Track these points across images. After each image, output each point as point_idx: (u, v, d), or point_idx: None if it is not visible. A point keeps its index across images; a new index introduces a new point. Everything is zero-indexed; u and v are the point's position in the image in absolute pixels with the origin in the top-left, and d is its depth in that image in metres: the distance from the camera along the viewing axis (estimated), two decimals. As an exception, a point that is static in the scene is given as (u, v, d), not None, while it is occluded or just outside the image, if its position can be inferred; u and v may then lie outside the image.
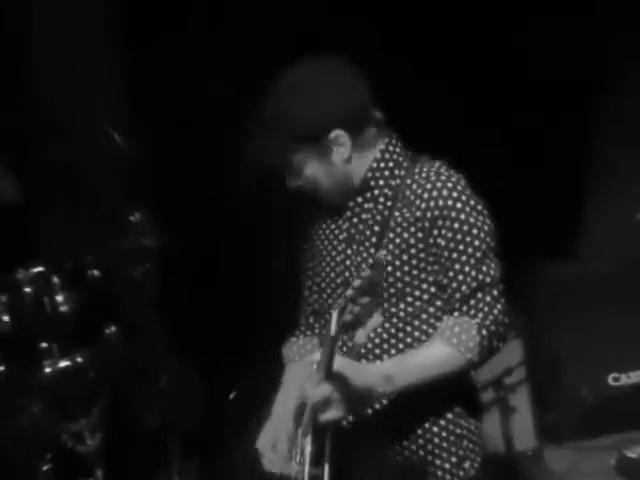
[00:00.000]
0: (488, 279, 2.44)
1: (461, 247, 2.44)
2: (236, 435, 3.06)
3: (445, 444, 2.54)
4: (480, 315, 2.41)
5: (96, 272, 3.51)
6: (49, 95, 4.52)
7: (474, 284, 2.43)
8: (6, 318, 3.38)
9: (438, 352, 2.39)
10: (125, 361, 3.62)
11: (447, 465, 2.53)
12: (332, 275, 2.61)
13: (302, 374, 2.62)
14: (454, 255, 2.44)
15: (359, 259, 2.55)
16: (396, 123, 2.63)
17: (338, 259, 2.59)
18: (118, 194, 3.86)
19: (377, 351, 2.52)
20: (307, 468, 2.39)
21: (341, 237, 2.59)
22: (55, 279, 3.43)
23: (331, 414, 2.33)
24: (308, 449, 2.40)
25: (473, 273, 2.43)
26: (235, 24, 4.35)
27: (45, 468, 3.36)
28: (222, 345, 4.31)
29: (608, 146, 4.93)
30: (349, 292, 2.21)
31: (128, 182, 3.83)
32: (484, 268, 2.44)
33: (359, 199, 2.53)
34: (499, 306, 2.43)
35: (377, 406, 2.50)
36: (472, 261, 2.44)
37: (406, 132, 2.61)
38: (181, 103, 4.17)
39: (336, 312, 2.23)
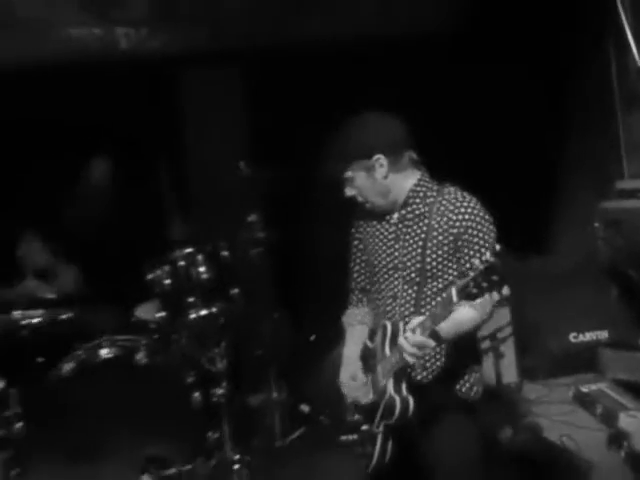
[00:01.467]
0: (496, 261, 2.42)
1: (476, 247, 2.49)
2: (315, 364, 3.02)
3: (466, 376, 2.62)
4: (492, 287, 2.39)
5: (226, 253, 3.56)
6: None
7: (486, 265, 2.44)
8: (167, 281, 3.44)
9: (468, 314, 2.43)
10: (243, 312, 3.65)
11: (464, 389, 2.62)
12: (383, 263, 2.62)
13: (359, 334, 2.73)
14: (472, 252, 2.49)
15: (404, 252, 2.57)
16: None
17: (388, 252, 2.61)
18: (241, 201, 3.86)
19: (410, 312, 2.55)
20: (387, 396, 2.48)
21: (390, 237, 2.62)
22: (199, 257, 3.47)
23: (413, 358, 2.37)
24: (391, 383, 2.48)
25: (484, 260, 2.46)
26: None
27: (190, 379, 3.38)
28: (306, 304, 4.33)
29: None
30: (472, 275, 2.17)
31: (248, 194, 3.84)
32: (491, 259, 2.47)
33: (403, 212, 2.58)
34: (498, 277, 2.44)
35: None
36: (484, 252, 2.37)
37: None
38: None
39: (455, 288, 2.21)
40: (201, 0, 4.55)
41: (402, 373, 2.48)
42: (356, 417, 2.63)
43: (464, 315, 2.41)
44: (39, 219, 3.99)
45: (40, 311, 3.48)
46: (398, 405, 2.45)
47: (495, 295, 2.15)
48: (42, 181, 4.16)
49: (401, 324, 2.49)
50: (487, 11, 4.43)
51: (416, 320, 2.36)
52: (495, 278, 2.14)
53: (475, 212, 2.51)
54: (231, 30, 4.58)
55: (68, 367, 3.30)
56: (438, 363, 2.56)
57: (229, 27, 4.57)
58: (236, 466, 3.42)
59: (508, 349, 4.03)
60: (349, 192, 2.61)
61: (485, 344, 3.87)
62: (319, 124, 2.66)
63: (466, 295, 2.19)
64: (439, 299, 2.38)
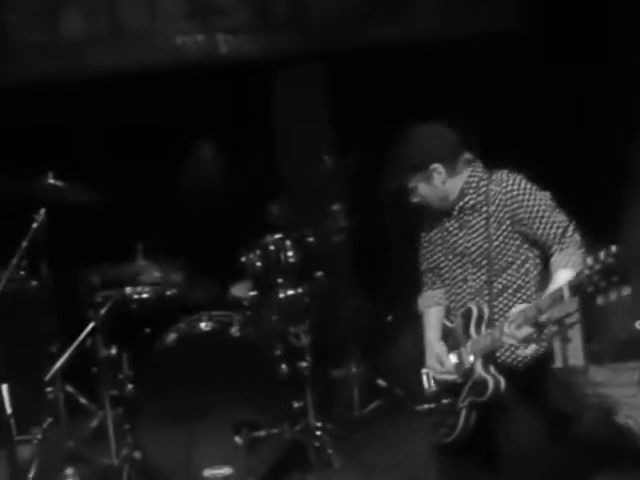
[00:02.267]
0: (565, 221, 2.46)
1: (539, 213, 2.46)
2: (391, 342, 3.05)
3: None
4: (576, 244, 2.42)
5: (311, 238, 3.63)
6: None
7: (560, 227, 2.45)
8: (259, 264, 3.52)
9: (566, 276, 2.28)
10: (326, 293, 3.70)
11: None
12: (451, 249, 2.64)
13: (437, 315, 2.73)
14: (537, 219, 2.46)
15: (469, 239, 2.58)
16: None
17: (454, 239, 2.63)
18: (327, 193, 3.92)
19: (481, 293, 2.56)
20: (475, 375, 2.48)
21: (454, 226, 2.63)
22: (287, 242, 3.55)
23: (529, 349, 2.38)
24: (479, 363, 2.47)
25: (554, 221, 2.45)
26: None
27: (278, 352, 3.48)
28: (385, 287, 4.32)
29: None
30: (586, 272, 2.05)
31: (332, 185, 3.91)
32: (558, 216, 2.47)
33: (460, 203, 2.60)
34: (578, 234, 2.45)
35: None
36: (549, 215, 2.46)
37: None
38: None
39: (568, 285, 2.12)
40: (292, 7, 4.67)
41: (490, 355, 2.48)
42: (433, 388, 2.66)
43: (563, 278, 2.28)
44: (152, 205, 4.18)
45: (148, 288, 3.63)
46: (490, 385, 2.45)
47: (612, 295, 2.04)
48: (153, 173, 4.33)
49: (485, 308, 2.52)
50: (556, 10, 4.39)
51: (516, 309, 2.34)
52: (615, 279, 2.02)
53: (522, 186, 2.50)
54: (318, 34, 4.69)
55: (171, 337, 3.45)
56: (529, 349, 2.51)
57: (316, 32, 4.69)
58: (318, 432, 3.53)
59: (575, 334, 3.99)
60: (414, 200, 2.65)
61: (553, 329, 3.80)
62: (398, 119, 2.71)
63: (581, 293, 2.10)
64: (548, 292, 2.27)
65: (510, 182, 2.53)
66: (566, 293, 2.15)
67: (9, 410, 1.89)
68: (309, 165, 4.03)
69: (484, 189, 2.57)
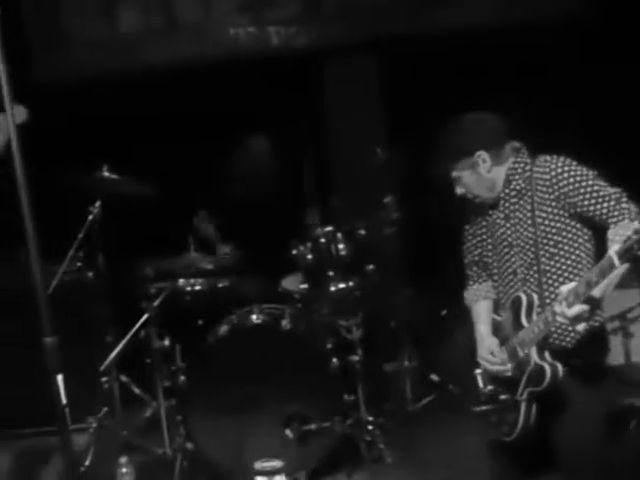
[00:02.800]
0: (616, 193, 2.39)
1: (588, 188, 2.40)
2: (445, 337, 2.99)
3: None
4: (631, 215, 2.35)
5: (363, 231, 3.61)
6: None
7: (612, 200, 2.38)
8: (310, 257, 3.51)
9: (618, 270, 2.16)
10: (377, 287, 3.68)
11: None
12: (498, 241, 2.60)
13: (486, 309, 2.70)
14: (587, 194, 2.40)
15: (516, 228, 2.53)
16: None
17: (501, 230, 2.59)
18: (378, 185, 3.92)
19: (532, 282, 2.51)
20: (531, 365, 2.44)
21: (501, 217, 2.59)
22: (339, 234, 3.54)
23: (580, 326, 2.30)
24: (534, 351, 2.42)
25: (604, 194, 2.38)
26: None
27: (329, 346, 3.48)
28: (438, 281, 4.18)
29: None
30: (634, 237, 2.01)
31: (384, 178, 3.90)
32: (608, 189, 2.40)
33: (506, 191, 2.55)
34: (632, 204, 2.38)
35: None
36: (598, 189, 2.39)
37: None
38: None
39: (617, 253, 2.06)
40: (341, -1, 4.68)
41: (543, 341, 2.43)
42: (489, 388, 2.62)
43: (616, 273, 2.19)
44: (208, 199, 4.19)
45: (201, 280, 3.68)
46: (548, 372, 2.40)
47: None
48: (208, 165, 4.40)
49: (535, 295, 2.47)
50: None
51: (566, 287, 2.27)
52: None
53: (567, 165, 2.45)
54: (369, 24, 4.69)
55: (223, 329, 3.50)
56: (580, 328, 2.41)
57: (367, 21, 4.69)
58: (370, 427, 3.52)
59: (638, 329, 3.88)
60: (459, 191, 2.60)
61: (614, 324, 3.75)
62: (451, 108, 2.67)
63: (630, 258, 2.04)
64: (598, 265, 2.18)
65: (555, 162, 2.47)
66: (615, 260, 2.08)
67: (64, 400, 1.93)
68: (361, 157, 4.03)
69: (528, 174, 2.52)
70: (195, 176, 4.45)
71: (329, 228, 3.55)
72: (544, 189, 2.48)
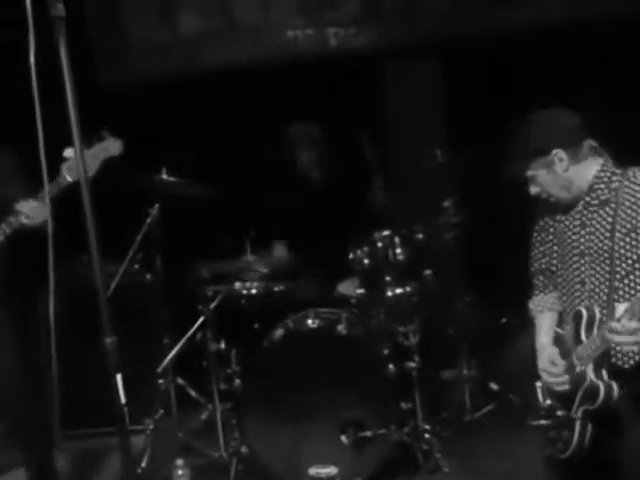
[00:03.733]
0: None
1: None
2: (505, 345, 2.93)
3: None
4: None
5: (421, 235, 3.59)
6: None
7: None
8: (367, 261, 3.50)
9: None
10: (435, 292, 3.66)
11: None
12: (569, 249, 2.55)
13: (550, 321, 2.67)
14: None
15: (591, 237, 2.49)
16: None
17: (574, 237, 2.54)
18: (438, 188, 3.90)
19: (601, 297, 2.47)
20: (587, 382, 2.40)
21: (575, 223, 2.54)
22: (396, 239, 3.52)
23: (632, 345, 2.25)
24: (590, 368, 2.39)
25: None
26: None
27: (386, 352, 3.46)
28: (500, 288, 4.18)
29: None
30: None
31: (444, 180, 3.88)
32: None
33: (587, 198, 2.50)
34: None
35: None
36: None
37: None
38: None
39: None
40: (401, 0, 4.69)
41: (602, 359, 2.40)
42: (548, 402, 2.59)
43: None
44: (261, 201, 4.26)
45: (257, 283, 3.72)
46: (602, 390, 2.37)
47: None
48: (265, 167, 4.40)
49: (597, 309, 2.45)
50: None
51: (622, 307, 2.26)
52: None
53: None
54: (429, 24, 4.68)
55: (278, 334, 3.53)
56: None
57: (427, 21, 4.68)
58: (427, 435, 3.50)
59: None
60: (533, 190, 2.56)
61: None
62: (510, 111, 2.64)
63: None
64: None
65: None
66: None
67: (123, 400, 1.99)
68: (421, 159, 4.01)
69: (616, 184, 2.45)
70: (253, 179, 4.49)
71: (386, 232, 3.55)
72: (634, 207, 2.41)
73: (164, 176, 3.70)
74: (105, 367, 1.96)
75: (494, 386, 3.92)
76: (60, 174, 2.79)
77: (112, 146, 2.84)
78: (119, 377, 1.94)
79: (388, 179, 3.88)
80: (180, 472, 2.93)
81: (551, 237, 2.66)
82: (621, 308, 2.26)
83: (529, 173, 2.54)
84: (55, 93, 1.92)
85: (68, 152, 2.68)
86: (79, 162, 1.89)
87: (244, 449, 3.45)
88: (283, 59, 4.75)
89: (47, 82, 1.95)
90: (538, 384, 2.64)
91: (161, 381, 3.83)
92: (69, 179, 2.77)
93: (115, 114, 4.06)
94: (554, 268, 2.67)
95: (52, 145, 2.02)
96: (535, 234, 2.72)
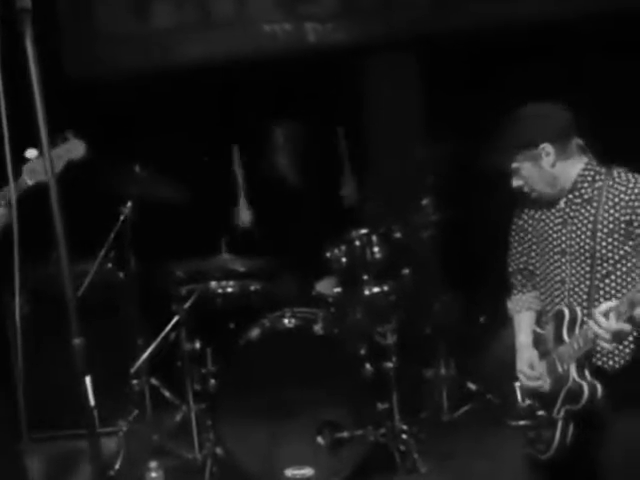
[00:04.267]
0: None
1: None
2: (484, 345, 2.91)
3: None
4: None
5: (398, 234, 3.58)
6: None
7: None
8: (344, 259, 3.49)
9: None
10: (413, 291, 3.65)
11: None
12: (549, 247, 2.54)
13: (528, 321, 2.65)
14: None
15: (573, 236, 2.48)
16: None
17: (555, 236, 2.53)
18: (416, 186, 3.90)
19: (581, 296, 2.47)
20: (569, 382, 2.40)
21: (557, 221, 2.53)
22: (374, 237, 3.53)
23: (609, 344, 2.23)
24: (573, 368, 2.39)
25: None
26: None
27: (362, 351, 3.47)
28: (477, 287, 4.18)
29: None
30: None
31: (422, 179, 3.86)
32: None
33: (570, 196, 2.49)
34: None
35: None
36: None
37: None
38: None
39: None
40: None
41: (585, 359, 2.40)
42: (527, 402, 2.58)
43: None
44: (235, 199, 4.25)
45: (232, 282, 3.70)
46: (586, 390, 2.37)
47: None
48: (243, 164, 4.35)
49: (578, 310, 2.44)
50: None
51: (606, 305, 2.23)
52: None
53: None
54: (406, 19, 4.68)
55: (255, 333, 3.51)
56: (627, 350, 2.41)
57: (405, 17, 4.68)
58: (404, 436, 3.50)
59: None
60: (516, 183, 2.56)
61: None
62: (488, 107, 2.63)
63: None
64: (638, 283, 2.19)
65: (636, 184, 2.41)
66: None
67: (93, 402, 1.97)
68: (398, 157, 4.05)
69: (599, 184, 2.45)
70: (228, 175, 4.46)
71: (364, 231, 3.55)
72: (617, 207, 2.41)
73: (137, 172, 3.66)
74: (74, 369, 1.93)
75: (472, 386, 3.94)
76: (21, 176, 2.73)
77: (76, 148, 2.78)
78: (88, 379, 1.91)
79: (364, 177, 3.89)
80: (153, 475, 2.90)
81: (530, 236, 2.65)
82: (603, 306, 2.24)
83: (514, 165, 2.52)
84: (19, 89, 1.88)
85: (30, 153, 2.61)
86: (47, 162, 1.85)
87: (219, 450, 3.44)
88: (259, 54, 4.72)
89: (11, 78, 1.91)
90: (517, 384, 2.64)
91: (135, 382, 3.80)
92: (29, 182, 2.70)
93: (84, 107, 4.01)
94: (532, 267, 2.67)
95: (14, 145, 1.98)
96: (513, 233, 2.72)
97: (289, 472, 2.92)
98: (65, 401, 3.12)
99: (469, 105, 4.25)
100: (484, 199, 3.51)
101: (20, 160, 2.65)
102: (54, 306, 2.27)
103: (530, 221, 2.64)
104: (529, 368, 2.56)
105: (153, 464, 2.92)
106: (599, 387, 2.38)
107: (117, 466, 3.60)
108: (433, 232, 3.86)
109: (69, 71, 4.79)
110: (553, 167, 2.48)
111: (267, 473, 3.28)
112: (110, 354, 3.70)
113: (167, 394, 4.04)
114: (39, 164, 2.49)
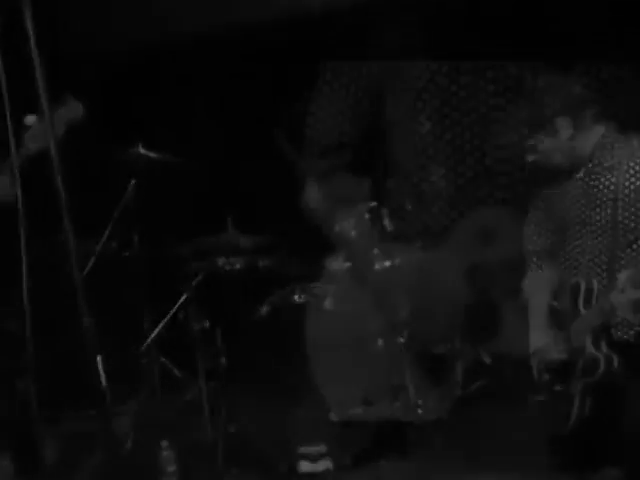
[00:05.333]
0: None
1: None
2: (498, 320, 3.05)
3: None
4: None
5: (410, 207, 3.64)
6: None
7: None
8: (354, 233, 3.49)
9: None
10: (425, 265, 3.61)
11: None
12: (569, 218, 2.58)
13: (542, 298, 2.67)
14: None
15: (593, 206, 2.50)
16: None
17: (575, 206, 2.56)
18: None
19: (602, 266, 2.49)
20: (586, 354, 2.41)
21: (576, 192, 2.55)
22: (384, 210, 3.55)
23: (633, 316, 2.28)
24: (589, 340, 2.41)
25: None
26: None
27: (374, 327, 3.44)
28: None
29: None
30: None
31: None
32: None
33: (590, 165, 2.50)
34: None
35: None
36: None
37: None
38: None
39: None
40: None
41: (601, 331, 2.42)
42: (543, 377, 2.62)
43: None
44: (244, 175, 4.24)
45: (240, 258, 3.70)
46: (602, 362, 2.39)
47: None
48: (246, 142, 4.38)
49: (595, 281, 2.45)
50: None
51: (624, 275, 2.29)
52: None
53: None
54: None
55: (264, 310, 3.54)
56: None
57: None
58: (418, 410, 3.51)
59: None
60: (531, 158, 2.58)
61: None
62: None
63: None
64: None
65: None
66: None
67: (104, 382, 1.98)
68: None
69: (619, 152, 2.46)
70: (235, 153, 4.44)
71: (374, 203, 3.55)
72: (638, 175, 2.41)
73: (141, 151, 3.64)
74: (85, 349, 1.94)
75: (487, 359, 3.92)
76: (23, 144, 2.73)
77: (74, 109, 2.77)
78: (99, 359, 1.92)
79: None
80: (165, 453, 2.93)
81: (551, 207, 2.66)
82: (622, 277, 2.28)
83: (531, 140, 2.53)
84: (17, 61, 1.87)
85: (29, 119, 2.61)
86: (49, 130, 1.84)
87: (231, 428, 3.45)
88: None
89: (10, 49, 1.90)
90: (533, 360, 2.66)
91: (144, 361, 3.82)
92: (33, 148, 2.70)
93: (83, 84, 3.98)
94: (549, 248, 2.68)
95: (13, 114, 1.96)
96: (530, 214, 2.74)
97: (302, 449, 2.94)
98: (76, 381, 3.14)
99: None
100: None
101: (21, 130, 2.62)
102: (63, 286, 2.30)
103: (549, 195, 2.66)
104: (546, 343, 2.58)
105: (164, 443, 2.94)
106: (616, 359, 2.40)
107: (128, 446, 3.63)
108: (443, 205, 3.89)
109: (67, 46, 4.74)
110: (569, 139, 2.49)
111: (280, 450, 3.29)
112: (118, 334, 3.71)
113: (177, 373, 4.06)
114: (40, 129, 2.46)
